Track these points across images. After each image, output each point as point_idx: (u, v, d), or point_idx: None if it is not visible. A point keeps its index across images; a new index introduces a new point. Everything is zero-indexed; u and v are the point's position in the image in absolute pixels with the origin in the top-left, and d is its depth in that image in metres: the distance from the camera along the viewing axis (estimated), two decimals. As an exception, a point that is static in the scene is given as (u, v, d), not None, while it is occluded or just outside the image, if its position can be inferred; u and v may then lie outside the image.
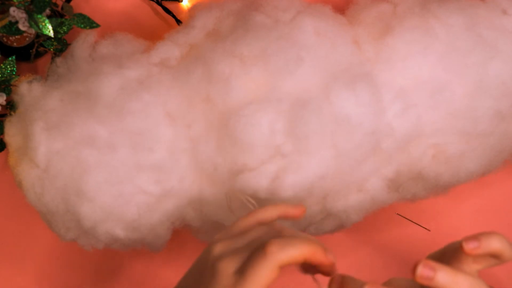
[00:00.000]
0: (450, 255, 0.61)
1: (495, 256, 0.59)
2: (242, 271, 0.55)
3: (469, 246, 0.58)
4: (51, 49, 0.81)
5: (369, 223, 0.88)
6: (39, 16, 0.73)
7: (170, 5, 0.88)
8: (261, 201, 0.73)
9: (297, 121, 0.69)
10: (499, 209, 0.91)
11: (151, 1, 0.89)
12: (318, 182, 0.71)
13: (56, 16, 0.82)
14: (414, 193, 0.79)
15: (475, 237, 0.59)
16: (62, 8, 0.81)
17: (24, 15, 0.73)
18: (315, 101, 0.70)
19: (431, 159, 0.76)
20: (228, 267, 0.56)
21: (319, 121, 0.69)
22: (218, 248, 0.58)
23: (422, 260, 0.56)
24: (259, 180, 0.70)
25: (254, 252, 0.56)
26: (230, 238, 0.59)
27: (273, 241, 0.55)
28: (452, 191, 0.83)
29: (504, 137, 0.77)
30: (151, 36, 0.80)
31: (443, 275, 0.56)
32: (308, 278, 0.60)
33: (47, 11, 0.75)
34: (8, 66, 0.79)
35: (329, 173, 0.71)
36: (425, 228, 0.89)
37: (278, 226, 0.60)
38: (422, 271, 0.56)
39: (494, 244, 0.58)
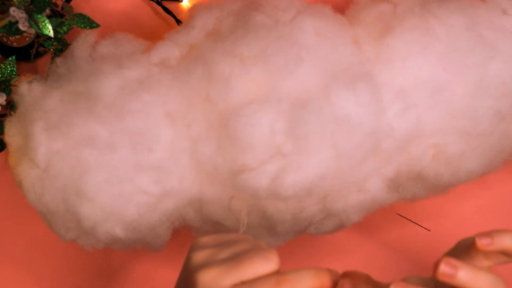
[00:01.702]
0: (461, 252, 0.61)
1: (507, 254, 0.60)
2: None
3: (481, 242, 0.59)
4: (51, 49, 0.81)
5: (369, 223, 0.88)
6: (39, 16, 0.73)
7: (170, 5, 0.88)
8: (261, 201, 0.73)
9: (297, 121, 0.69)
10: (499, 209, 0.91)
11: (151, 1, 0.89)
12: (318, 182, 0.71)
13: (56, 16, 0.82)
14: (414, 193, 0.79)
15: (488, 233, 0.59)
16: (62, 8, 0.81)
17: (24, 15, 0.73)
18: (315, 101, 0.69)
19: (431, 159, 0.76)
20: (211, 280, 0.55)
21: (319, 121, 0.69)
22: (199, 257, 0.57)
23: (444, 258, 0.57)
24: (259, 180, 0.70)
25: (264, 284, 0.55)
26: (213, 247, 0.58)
27: (286, 279, 0.55)
28: (452, 191, 0.83)
29: (504, 137, 0.77)
30: (151, 36, 0.80)
31: (464, 273, 0.56)
32: None
33: (47, 11, 0.75)
34: (8, 66, 0.79)
35: (329, 173, 0.71)
36: (425, 228, 0.89)
37: (260, 242, 0.59)
38: (444, 269, 0.56)
39: (507, 241, 0.59)
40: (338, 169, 0.71)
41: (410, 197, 0.79)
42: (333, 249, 0.90)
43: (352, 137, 0.70)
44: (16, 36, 0.86)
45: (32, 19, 0.73)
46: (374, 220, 0.88)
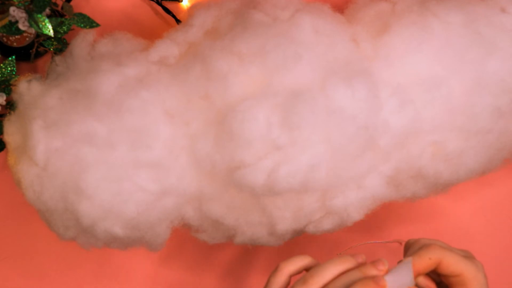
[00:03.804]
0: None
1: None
2: None
3: None
4: (51, 49, 0.81)
5: (369, 222, 0.87)
6: (39, 15, 0.73)
7: (170, 5, 0.88)
8: (259, 198, 0.73)
9: (291, 111, 0.69)
10: (500, 209, 0.91)
11: (151, 1, 0.89)
12: (311, 173, 0.70)
13: (56, 15, 0.82)
14: (414, 192, 0.79)
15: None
16: (62, 8, 0.81)
17: (24, 14, 0.73)
18: (309, 93, 0.70)
19: (430, 157, 0.76)
20: None
21: (313, 112, 0.69)
22: None
23: None
24: (256, 176, 0.70)
25: None
26: None
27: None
28: (452, 190, 0.83)
29: (503, 135, 0.77)
30: (151, 36, 0.81)
31: None
32: None
33: (47, 10, 0.75)
34: (8, 66, 0.79)
35: (322, 164, 0.70)
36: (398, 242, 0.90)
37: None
38: None
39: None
40: (333, 163, 0.71)
41: (410, 196, 0.79)
42: (333, 249, 0.90)
43: (345, 130, 0.70)
44: (16, 36, 0.86)
45: (32, 19, 0.73)
46: (374, 219, 0.88)
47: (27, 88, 0.76)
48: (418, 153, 0.75)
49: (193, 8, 0.79)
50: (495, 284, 0.88)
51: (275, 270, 0.66)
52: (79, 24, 0.80)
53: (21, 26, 0.74)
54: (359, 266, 0.64)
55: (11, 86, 0.79)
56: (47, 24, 0.74)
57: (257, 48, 0.71)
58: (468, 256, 0.66)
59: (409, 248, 0.67)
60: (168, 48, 0.75)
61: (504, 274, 0.90)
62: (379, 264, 0.64)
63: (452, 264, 0.64)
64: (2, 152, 0.82)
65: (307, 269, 0.67)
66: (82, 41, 0.78)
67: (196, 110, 0.73)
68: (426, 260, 0.64)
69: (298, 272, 0.67)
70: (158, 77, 0.74)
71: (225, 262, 0.90)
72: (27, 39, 0.87)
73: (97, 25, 0.80)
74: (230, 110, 0.70)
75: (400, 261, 0.65)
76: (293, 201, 0.74)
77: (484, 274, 0.65)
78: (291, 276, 0.67)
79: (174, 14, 0.88)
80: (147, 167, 0.72)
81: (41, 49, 0.83)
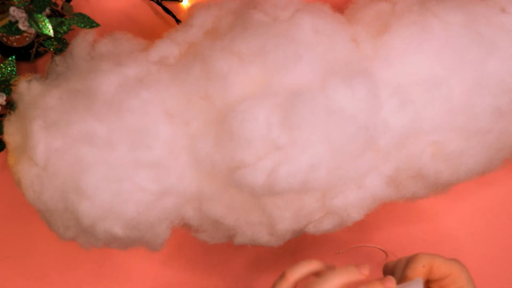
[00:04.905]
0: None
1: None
2: None
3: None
4: (51, 49, 0.81)
5: (370, 222, 0.87)
6: (39, 15, 0.73)
7: (170, 5, 0.88)
8: (259, 198, 0.73)
9: (293, 115, 0.69)
10: (499, 209, 0.91)
11: (151, 1, 0.89)
12: (311, 173, 0.70)
13: (56, 15, 0.82)
14: (414, 192, 0.79)
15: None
16: (62, 8, 0.81)
17: (24, 14, 0.73)
18: (309, 93, 0.70)
19: (430, 157, 0.76)
20: None
21: (313, 112, 0.69)
22: None
23: None
24: (256, 175, 0.70)
25: None
26: None
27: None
28: (452, 191, 0.83)
29: (503, 135, 0.77)
30: (151, 36, 0.81)
31: None
32: None
33: (47, 10, 0.75)
34: (8, 66, 0.79)
35: (322, 164, 0.71)
36: (382, 250, 0.90)
37: None
38: None
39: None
40: (333, 163, 0.71)
41: (410, 196, 0.79)
42: (333, 249, 0.90)
43: (345, 130, 0.70)
44: (16, 36, 0.86)
45: (32, 19, 0.73)
46: (374, 219, 0.88)
47: (27, 88, 0.76)
48: (418, 153, 0.75)
49: (193, 8, 0.79)
50: (495, 284, 0.89)
51: (280, 277, 0.67)
52: (79, 24, 0.80)
53: (21, 26, 0.74)
54: (366, 282, 0.64)
55: (11, 86, 0.79)
56: (47, 24, 0.74)
57: (257, 48, 0.71)
58: (445, 257, 0.68)
59: (395, 268, 0.68)
60: (168, 48, 0.76)
61: (504, 274, 0.90)
62: (387, 282, 0.64)
63: (442, 266, 0.66)
64: (2, 152, 0.82)
65: (314, 273, 0.67)
66: (82, 41, 0.78)
67: (196, 110, 0.73)
68: (420, 269, 0.65)
69: (304, 277, 0.67)
70: (158, 77, 0.74)
71: (225, 262, 0.90)
72: (27, 39, 0.87)
73: (97, 25, 0.80)
74: (230, 110, 0.70)
75: (407, 282, 0.65)
76: (293, 201, 0.74)
77: (466, 268, 0.67)
78: (296, 282, 0.67)
79: (174, 14, 0.88)
80: (147, 167, 0.72)
81: (41, 49, 0.83)
